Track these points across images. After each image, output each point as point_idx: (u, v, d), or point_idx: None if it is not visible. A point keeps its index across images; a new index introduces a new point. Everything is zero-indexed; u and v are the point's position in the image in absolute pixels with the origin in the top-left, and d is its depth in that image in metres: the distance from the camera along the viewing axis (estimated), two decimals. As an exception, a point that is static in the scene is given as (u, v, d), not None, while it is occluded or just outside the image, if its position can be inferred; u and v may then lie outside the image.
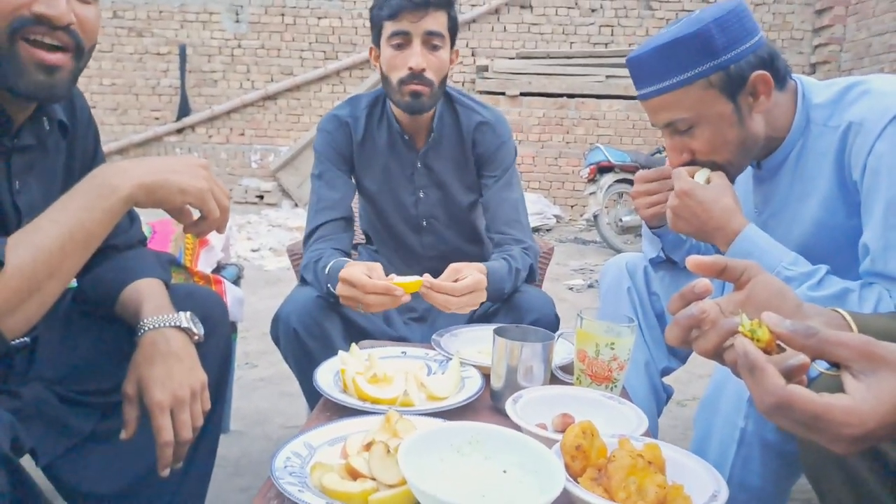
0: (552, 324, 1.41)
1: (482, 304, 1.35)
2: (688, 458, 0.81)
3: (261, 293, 3.91)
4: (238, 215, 6.64)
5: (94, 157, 1.15)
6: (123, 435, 0.94)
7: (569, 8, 7.53)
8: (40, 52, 0.85)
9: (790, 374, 0.58)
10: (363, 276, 1.27)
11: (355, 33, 7.55)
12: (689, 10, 7.37)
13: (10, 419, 0.75)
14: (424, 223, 1.65)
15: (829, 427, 0.55)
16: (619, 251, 5.48)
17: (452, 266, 1.33)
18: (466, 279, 1.28)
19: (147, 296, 1.05)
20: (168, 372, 0.93)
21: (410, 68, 1.43)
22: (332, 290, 1.35)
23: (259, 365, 2.70)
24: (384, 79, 1.50)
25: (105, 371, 1.07)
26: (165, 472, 0.92)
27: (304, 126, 7.65)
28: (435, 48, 1.45)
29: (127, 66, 7.56)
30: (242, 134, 7.70)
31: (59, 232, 0.81)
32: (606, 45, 7.55)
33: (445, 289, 1.26)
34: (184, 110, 7.57)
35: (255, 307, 3.45)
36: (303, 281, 1.50)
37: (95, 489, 1.02)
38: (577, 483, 0.74)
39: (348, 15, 7.52)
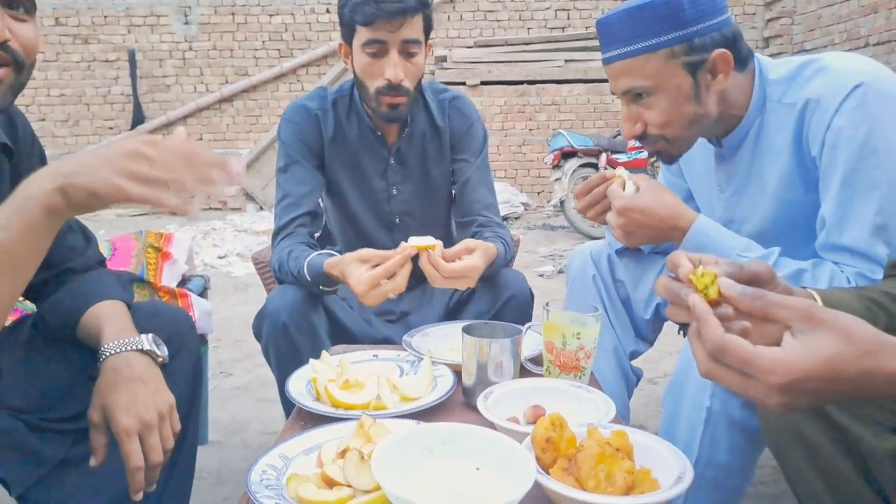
0: (528, 300, 1.44)
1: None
2: (655, 442, 0.84)
3: (230, 300, 3.87)
4: (202, 222, 6.54)
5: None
6: (93, 462, 0.93)
7: (523, -7, 7.56)
8: None
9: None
10: (378, 260, 1.25)
11: (309, 29, 7.46)
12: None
13: None
14: (397, 220, 1.63)
15: (757, 374, 0.58)
16: (586, 235, 5.56)
17: (467, 243, 1.31)
18: (463, 263, 1.27)
19: (107, 320, 1.04)
20: (132, 396, 0.92)
21: (388, 80, 1.39)
22: (322, 288, 1.34)
23: (234, 373, 2.68)
24: (358, 83, 1.48)
25: (73, 396, 1.05)
26: (138, 497, 0.91)
27: (262, 127, 7.55)
28: (412, 55, 1.42)
29: (75, 74, 7.35)
30: (200, 138, 7.57)
31: None
32: (563, 28, 7.60)
33: (437, 265, 1.24)
34: (138, 118, 7.40)
35: (224, 315, 3.41)
36: (278, 281, 1.48)
37: None
38: (549, 475, 0.75)
39: (300, 11, 7.42)
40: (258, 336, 1.40)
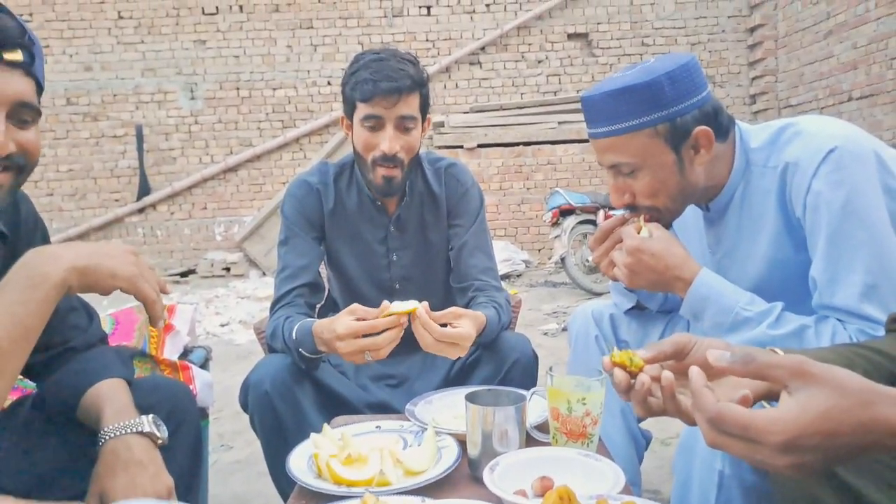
0: (532, 363, 1.43)
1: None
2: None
3: (232, 369, 3.82)
4: (205, 290, 6.54)
5: None
6: None
7: (516, 62, 7.81)
8: None
9: None
10: (365, 317, 1.26)
11: (311, 101, 7.68)
12: (629, 55, 7.72)
13: None
14: (397, 286, 1.64)
15: (758, 437, 0.58)
16: (589, 290, 5.55)
17: (455, 310, 1.32)
18: (455, 330, 1.27)
19: (108, 400, 1.03)
20: (131, 482, 0.91)
21: (383, 151, 1.45)
22: (302, 353, 1.34)
23: (235, 446, 2.62)
24: (357, 155, 1.53)
25: (71, 479, 1.03)
26: None
27: (266, 195, 7.67)
28: (407, 130, 1.47)
29: (83, 150, 7.53)
30: (205, 208, 7.67)
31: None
32: (555, 93, 7.81)
33: (430, 327, 1.25)
34: (144, 189, 7.53)
35: (226, 384, 3.36)
36: (271, 350, 1.48)
37: None
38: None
39: (303, 84, 7.66)
40: (244, 406, 1.40)
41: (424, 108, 1.52)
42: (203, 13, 7.50)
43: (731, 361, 0.62)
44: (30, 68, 0.93)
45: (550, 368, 1.10)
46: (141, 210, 7.58)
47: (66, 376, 1.11)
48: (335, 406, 1.46)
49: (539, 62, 7.82)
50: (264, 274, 7.28)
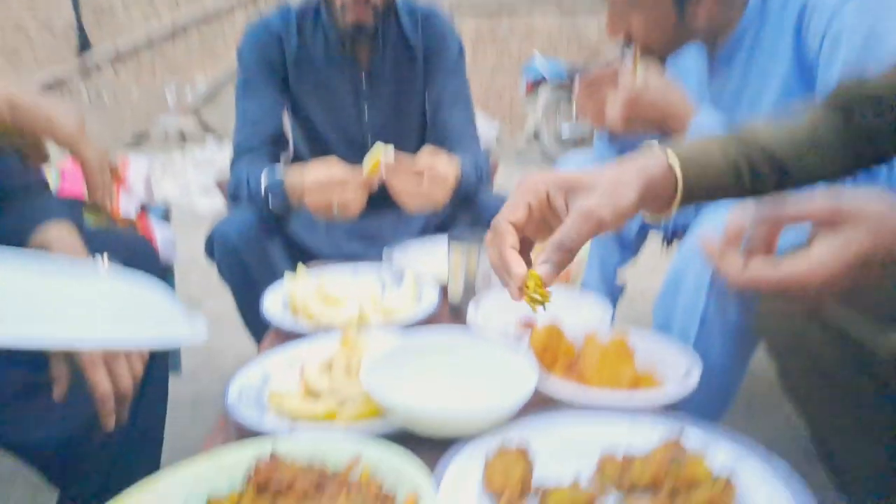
0: None
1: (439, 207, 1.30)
2: (655, 342, 0.80)
3: (194, 236, 3.73)
4: (161, 157, 6.27)
5: None
6: (56, 393, 0.87)
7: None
8: None
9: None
10: (341, 171, 1.21)
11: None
12: None
13: None
14: (369, 141, 1.55)
15: (794, 291, 0.55)
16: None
17: (428, 150, 1.25)
18: (431, 169, 1.21)
19: (56, 243, 0.95)
20: None
21: None
22: (272, 203, 1.28)
23: (204, 304, 2.61)
24: None
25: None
26: (110, 426, 0.85)
27: (219, 57, 7.17)
28: None
29: (12, 2, 6.82)
30: (153, 72, 7.17)
31: None
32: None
33: (403, 168, 1.20)
34: (83, 44, 6.93)
35: (190, 251, 3.29)
36: (233, 200, 1.41)
37: (37, 441, 0.95)
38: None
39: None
40: (210, 255, 1.35)
41: None
42: None
43: (757, 218, 0.58)
44: None
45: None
46: (84, 72, 7.03)
47: (5, 220, 1.02)
48: (306, 259, 1.42)
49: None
50: (221, 140, 6.99)
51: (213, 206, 4.43)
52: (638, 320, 2.22)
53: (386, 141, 1.56)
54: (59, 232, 0.97)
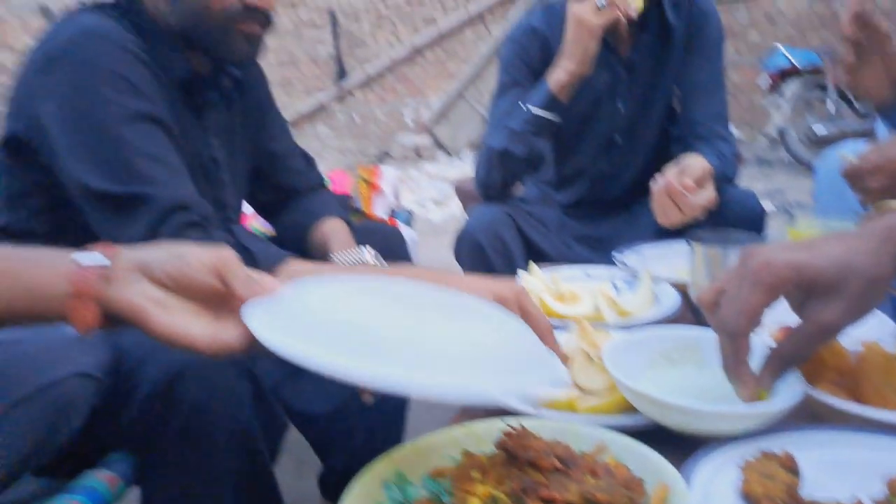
0: (759, 219, 1.28)
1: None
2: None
3: (429, 243, 4.02)
4: (398, 171, 6.88)
5: (268, 106, 1.24)
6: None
7: None
8: (248, 24, 0.98)
9: None
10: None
11: (495, -30, 7.32)
12: None
13: None
14: (618, 138, 1.51)
15: None
16: (813, 168, 4.86)
17: (692, 166, 1.18)
18: (702, 198, 1.14)
19: (332, 235, 1.13)
20: None
21: None
22: (535, 112, 1.32)
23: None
24: None
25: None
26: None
27: (450, 75, 7.66)
28: None
29: (287, 40, 8.02)
30: (395, 91, 7.89)
31: None
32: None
33: (678, 197, 1.13)
34: (340, 74, 7.92)
35: (424, 257, 3.56)
36: (485, 194, 1.46)
37: (309, 409, 1.11)
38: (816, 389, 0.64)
39: (487, -48, 7.29)
40: (458, 257, 1.40)
41: None
42: None
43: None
44: None
45: (791, 207, 0.96)
46: (341, 99, 8.01)
47: (293, 215, 1.23)
48: (538, 260, 1.44)
49: None
50: (450, 155, 7.44)
51: (445, 215, 4.74)
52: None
53: (632, 134, 1.51)
54: (333, 225, 1.16)
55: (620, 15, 1.26)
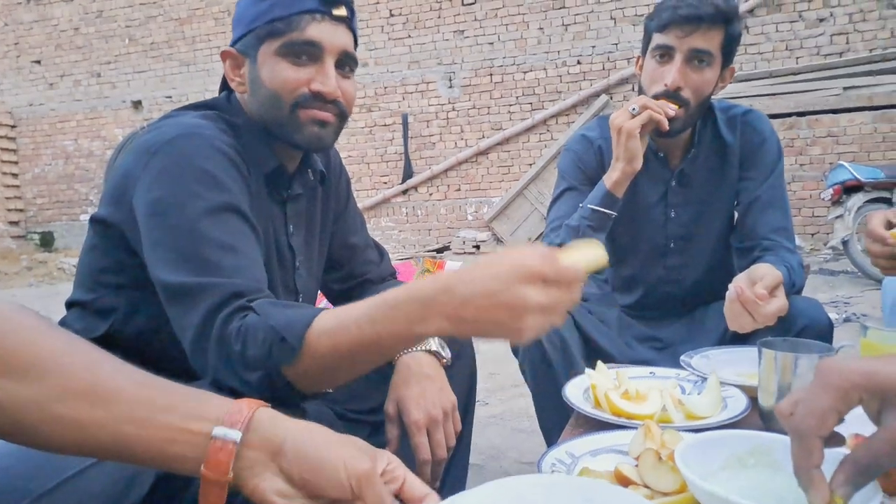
0: (826, 329, 1.27)
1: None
2: None
3: (484, 335, 4.03)
4: (461, 263, 7.01)
5: (347, 201, 1.30)
6: (389, 451, 1.01)
7: (791, 22, 6.91)
8: (315, 110, 1.02)
9: None
10: None
11: (559, 81, 7.70)
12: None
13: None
14: (672, 245, 1.55)
15: None
16: (876, 279, 4.70)
17: (764, 276, 1.18)
18: (774, 306, 1.14)
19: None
20: (422, 392, 0.99)
21: (665, 85, 1.35)
22: (595, 208, 1.40)
23: (489, 403, 2.77)
24: (641, 93, 1.45)
25: (373, 392, 1.17)
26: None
27: (513, 176, 7.92)
28: (700, 66, 1.36)
29: (359, 138, 8.55)
30: (458, 189, 8.20)
31: (360, 339, 0.77)
32: (840, 54, 6.74)
33: (751, 306, 1.13)
34: (408, 173, 8.31)
35: (483, 346, 3.55)
36: None
37: None
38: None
39: (552, 65, 7.71)
40: (515, 352, 1.42)
41: (728, 48, 1.37)
42: (462, 4, 7.97)
43: None
44: (351, 23, 1.04)
45: (863, 318, 0.96)
46: (404, 192, 8.37)
47: None
48: (598, 359, 1.44)
49: (821, 21, 6.81)
50: (510, 252, 7.55)
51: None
52: None
53: (688, 244, 1.54)
54: None
55: (653, 115, 1.33)
